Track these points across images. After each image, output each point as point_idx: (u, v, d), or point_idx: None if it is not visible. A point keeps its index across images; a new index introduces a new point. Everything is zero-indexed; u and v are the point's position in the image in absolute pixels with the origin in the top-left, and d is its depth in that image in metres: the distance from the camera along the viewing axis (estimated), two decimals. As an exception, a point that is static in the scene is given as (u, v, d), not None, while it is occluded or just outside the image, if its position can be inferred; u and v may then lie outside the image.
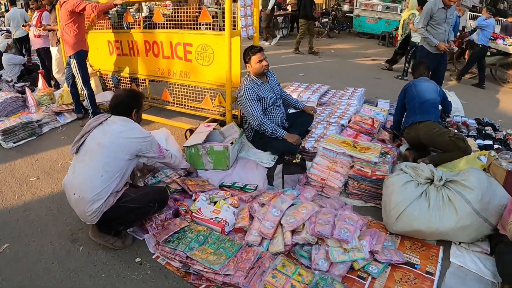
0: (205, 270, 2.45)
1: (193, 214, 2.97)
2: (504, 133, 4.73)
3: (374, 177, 3.25)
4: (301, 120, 4.27)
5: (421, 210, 2.86)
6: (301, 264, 2.65)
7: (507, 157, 3.32)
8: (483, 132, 4.71)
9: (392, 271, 2.67)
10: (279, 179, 3.30)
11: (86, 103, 5.21)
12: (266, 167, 3.74)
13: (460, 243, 2.94)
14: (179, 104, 5.19)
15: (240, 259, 2.52)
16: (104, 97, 5.54)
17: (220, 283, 2.42)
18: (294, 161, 3.39)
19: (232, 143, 3.66)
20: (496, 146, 4.31)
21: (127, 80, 5.68)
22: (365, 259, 2.62)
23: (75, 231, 3.04)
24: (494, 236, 2.86)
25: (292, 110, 4.57)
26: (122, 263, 2.70)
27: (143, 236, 2.90)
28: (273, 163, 3.81)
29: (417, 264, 2.75)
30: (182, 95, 5.08)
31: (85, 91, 5.01)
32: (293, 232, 2.71)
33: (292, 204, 2.92)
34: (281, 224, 2.75)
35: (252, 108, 3.76)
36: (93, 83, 5.44)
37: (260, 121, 3.75)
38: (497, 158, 3.34)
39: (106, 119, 2.76)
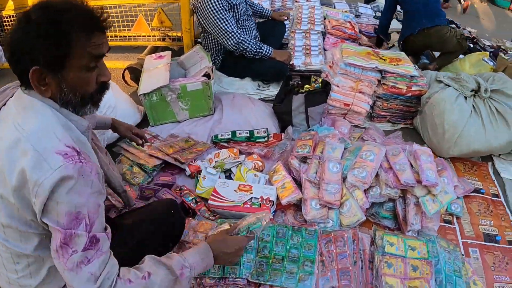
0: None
1: (210, 202, 1.93)
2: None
3: (410, 94, 2.62)
4: (273, 31, 3.33)
5: (476, 128, 2.45)
6: (384, 228, 2.01)
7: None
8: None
9: (466, 203, 2.30)
10: (300, 115, 2.44)
11: None
12: (259, 99, 2.86)
13: (499, 155, 2.72)
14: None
15: (329, 256, 1.71)
16: None
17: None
18: (307, 86, 2.54)
19: (207, 75, 2.61)
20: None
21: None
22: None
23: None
24: None
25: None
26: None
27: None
28: (262, 91, 2.93)
29: (481, 189, 2.46)
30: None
31: None
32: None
33: (344, 148, 2.17)
34: (344, 180, 2.01)
35: (225, 22, 2.70)
36: None
37: (238, 38, 2.73)
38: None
39: None
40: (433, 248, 1.83)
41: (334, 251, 1.72)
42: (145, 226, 1.36)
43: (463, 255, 2.03)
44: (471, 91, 2.50)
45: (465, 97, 2.49)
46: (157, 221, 1.40)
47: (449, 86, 2.52)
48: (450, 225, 2.15)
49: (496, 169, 2.64)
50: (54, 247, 0.95)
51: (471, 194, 2.34)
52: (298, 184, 2.08)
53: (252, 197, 1.93)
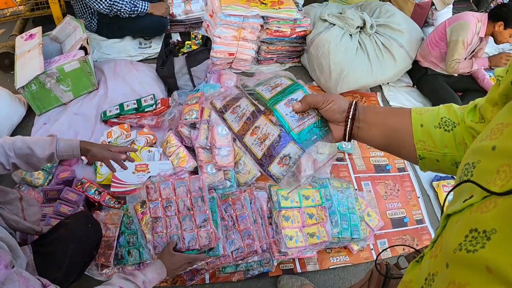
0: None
1: (112, 189, 1.85)
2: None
3: (295, 35, 2.58)
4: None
5: (363, 64, 2.53)
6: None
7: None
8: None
9: None
10: (184, 76, 2.31)
11: None
12: (139, 60, 2.66)
13: (388, 83, 2.87)
14: None
15: (231, 220, 1.74)
16: None
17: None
18: (188, 43, 2.40)
19: (84, 49, 2.36)
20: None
21: None
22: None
23: None
24: (414, 70, 2.86)
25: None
26: None
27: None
28: (145, 50, 2.74)
29: (370, 120, 2.50)
30: None
31: None
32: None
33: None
34: (235, 140, 1.99)
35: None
36: None
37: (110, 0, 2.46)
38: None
39: None
40: (325, 193, 1.92)
41: (234, 214, 1.75)
42: (72, 247, 1.35)
43: (356, 189, 2.16)
44: (357, 28, 2.51)
45: (351, 35, 2.51)
46: (80, 240, 1.39)
47: (334, 25, 2.51)
48: (342, 163, 2.26)
49: (385, 98, 2.77)
50: None
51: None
52: (192, 151, 2.04)
53: (150, 176, 1.89)
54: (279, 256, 1.75)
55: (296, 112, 0.80)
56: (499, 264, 0.37)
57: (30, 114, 2.34)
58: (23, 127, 2.26)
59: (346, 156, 2.30)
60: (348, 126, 0.78)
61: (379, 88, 2.83)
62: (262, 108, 0.84)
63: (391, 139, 0.76)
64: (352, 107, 0.77)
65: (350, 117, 0.77)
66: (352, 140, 2.07)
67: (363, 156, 2.33)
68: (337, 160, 2.26)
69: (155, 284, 1.35)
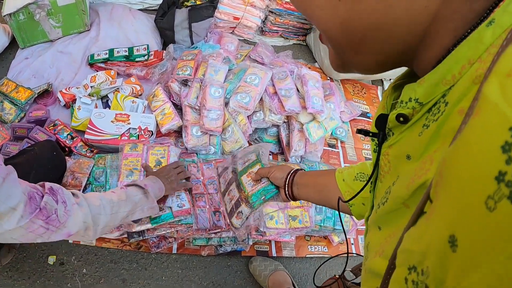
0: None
1: (86, 136, 1.67)
2: None
3: (305, 10, 2.44)
4: None
5: None
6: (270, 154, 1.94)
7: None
8: None
9: (352, 127, 2.35)
10: (183, 31, 2.14)
11: None
12: (139, 9, 2.48)
13: (390, 79, 2.73)
14: None
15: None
16: None
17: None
18: (193, -1, 2.24)
19: None
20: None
21: None
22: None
23: None
24: None
25: None
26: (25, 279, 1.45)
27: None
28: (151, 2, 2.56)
29: (368, 113, 2.46)
30: None
31: None
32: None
33: (229, 69, 1.98)
34: (226, 105, 1.85)
35: None
36: None
37: None
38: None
39: None
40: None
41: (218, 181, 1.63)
42: (33, 175, 1.25)
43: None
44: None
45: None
46: (44, 167, 1.31)
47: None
48: (334, 149, 2.15)
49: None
50: None
51: (357, 118, 2.34)
52: (179, 109, 1.90)
53: (129, 128, 1.73)
54: (256, 235, 1.63)
55: (253, 180, 1.11)
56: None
57: (12, 47, 2.14)
58: (3, 58, 2.08)
59: (339, 144, 2.19)
60: (287, 189, 1.00)
61: (380, 82, 2.72)
62: (235, 176, 1.18)
63: (323, 194, 0.94)
64: (290, 175, 1.00)
65: (286, 182, 1.00)
66: (347, 128, 1.94)
67: (356, 147, 2.22)
68: (329, 146, 2.14)
69: (157, 194, 1.28)
